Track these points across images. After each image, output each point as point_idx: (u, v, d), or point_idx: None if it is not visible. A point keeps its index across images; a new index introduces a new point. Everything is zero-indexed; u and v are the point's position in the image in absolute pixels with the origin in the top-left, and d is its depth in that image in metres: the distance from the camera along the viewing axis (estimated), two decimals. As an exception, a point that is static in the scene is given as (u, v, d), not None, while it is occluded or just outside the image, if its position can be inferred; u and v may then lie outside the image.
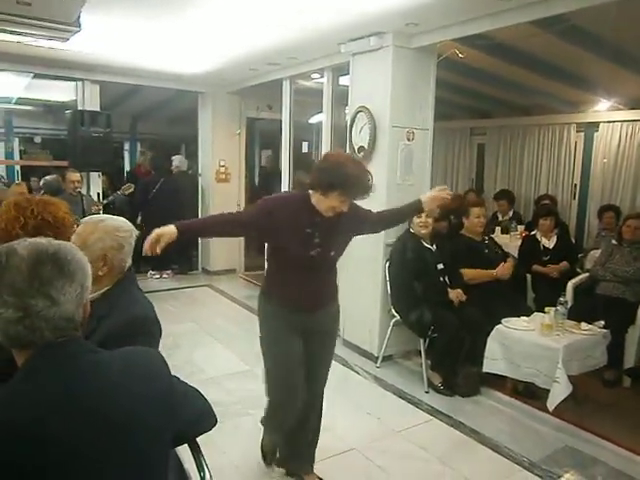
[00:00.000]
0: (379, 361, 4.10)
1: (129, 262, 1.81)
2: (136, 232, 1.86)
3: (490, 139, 7.34)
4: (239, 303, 5.78)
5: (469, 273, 3.97)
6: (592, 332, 3.48)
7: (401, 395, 3.63)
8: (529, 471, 2.78)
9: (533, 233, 4.98)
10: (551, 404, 3.18)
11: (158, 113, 9.12)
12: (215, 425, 1.42)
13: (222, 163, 6.94)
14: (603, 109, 6.05)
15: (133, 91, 7.24)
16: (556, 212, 5.23)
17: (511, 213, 6.39)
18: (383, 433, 3.15)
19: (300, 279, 2.35)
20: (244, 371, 3.95)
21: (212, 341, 4.61)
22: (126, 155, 10.35)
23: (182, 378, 1.35)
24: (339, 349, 4.42)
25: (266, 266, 2.67)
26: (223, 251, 6.94)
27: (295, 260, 2.31)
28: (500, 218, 6.41)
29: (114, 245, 1.73)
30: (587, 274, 4.50)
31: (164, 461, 1.17)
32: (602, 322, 3.75)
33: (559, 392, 3.15)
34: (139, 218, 6.59)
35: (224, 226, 2.43)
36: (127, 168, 10.07)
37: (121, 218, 1.88)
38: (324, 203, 2.22)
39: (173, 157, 6.93)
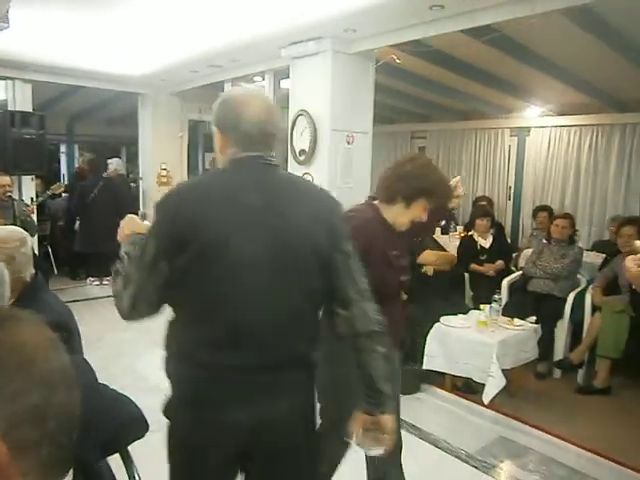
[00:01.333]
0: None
1: (30, 270, 1.74)
2: (31, 238, 1.79)
3: (430, 142, 7.57)
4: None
5: (431, 255, 4.08)
6: (524, 327, 3.66)
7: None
8: (465, 462, 2.88)
9: (470, 233, 5.17)
10: (486, 397, 3.31)
11: (97, 114, 8.84)
12: (147, 432, 1.40)
13: (164, 166, 6.80)
14: (534, 115, 6.36)
15: (70, 91, 6.98)
16: (492, 213, 5.44)
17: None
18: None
19: (393, 310, 1.84)
20: None
21: (157, 349, 4.48)
22: (63, 158, 9.97)
23: (121, 387, 1.33)
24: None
25: None
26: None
27: (388, 289, 1.89)
28: (440, 219, 6.60)
29: (2, 258, 1.62)
30: (520, 272, 4.72)
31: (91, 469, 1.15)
32: (534, 318, 3.96)
33: (494, 386, 3.30)
34: (77, 224, 6.37)
35: None
36: (64, 171, 9.70)
37: (9, 227, 1.81)
38: (404, 216, 1.93)
39: (110, 160, 6.73)
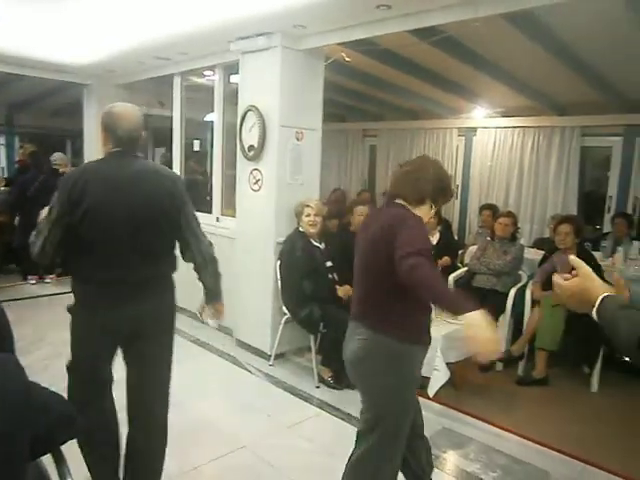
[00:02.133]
0: (272, 359, 4.13)
1: None
2: None
3: (381, 141, 7.67)
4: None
5: None
6: (467, 322, 3.76)
7: (292, 391, 3.69)
8: (409, 455, 2.94)
9: None
10: (431, 390, 3.39)
11: (40, 105, 8.49)
12: (80, 432, 1.37)
13: (110, 160, 6.59)
14: (481, 116, 6.55)
15: (9, 80, 6.66)
16: (439, 210, 5.57)
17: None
18: (273, 429, 3.19)
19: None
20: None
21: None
22: (2, 150, 9.52)
23: (61, 389, 1.29)
24: (232, 350, 4.43)
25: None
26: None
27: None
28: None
29: None
30: (466, 268, 4.85)
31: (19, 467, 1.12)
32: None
33: (438, 379, 3.38)
34: (17, 219, 6.10)
35: None
36: (3, 164, 9.27)
37: None
38: (428, 216, 2.11)
39: (53, 154, 6.46)
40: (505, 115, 6.34)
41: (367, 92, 6.31)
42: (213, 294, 2.37)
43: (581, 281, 1.24)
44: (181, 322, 5.36)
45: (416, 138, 7.26)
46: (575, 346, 4.01)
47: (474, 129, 6.71)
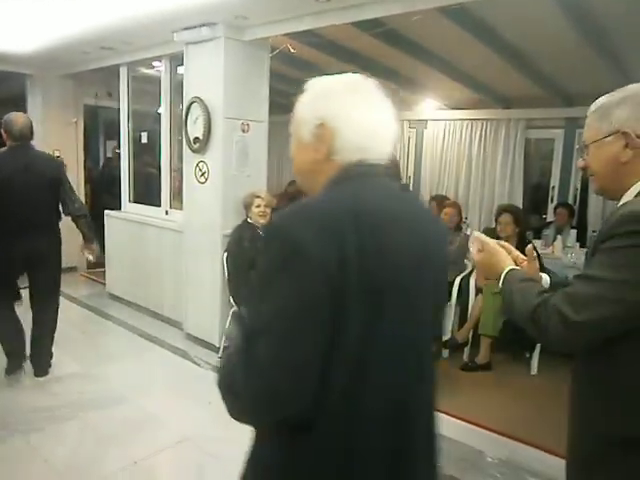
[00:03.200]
0: (220, 351, 4.13)
1: None
2: None
3: (334, 133, 7.70)
4: (78, 303, 5.43)
5: None
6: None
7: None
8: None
9: None
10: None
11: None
12: None
13: (57, 153, 6.41)
14: (431, 108, 6.67)
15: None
16: None
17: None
18: (218, 421, 3.17)
19: None
20: (76, 373, 3.73)
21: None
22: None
23: None
24: (182, 342, 4.41)
25: None
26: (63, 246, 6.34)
27: None
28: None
29: None
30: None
31: None
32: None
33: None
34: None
35: None
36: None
37: None
38: None
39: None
40: (454, 108, 6.48)
41: (317, 84, 6.32)
42: (87, 238, 3.61)
43: (486, 256, 1.36)
44: (132, 317, 5.32)
45: (368, 130, 7.33)
46: (516, 332, 4.15)
47: (425, 121, 6.84)
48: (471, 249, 1.43)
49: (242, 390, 0.92)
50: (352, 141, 1.02)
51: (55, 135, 6.36)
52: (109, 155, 9.11)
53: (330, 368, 0.89)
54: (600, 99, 1.25)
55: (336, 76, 1.11)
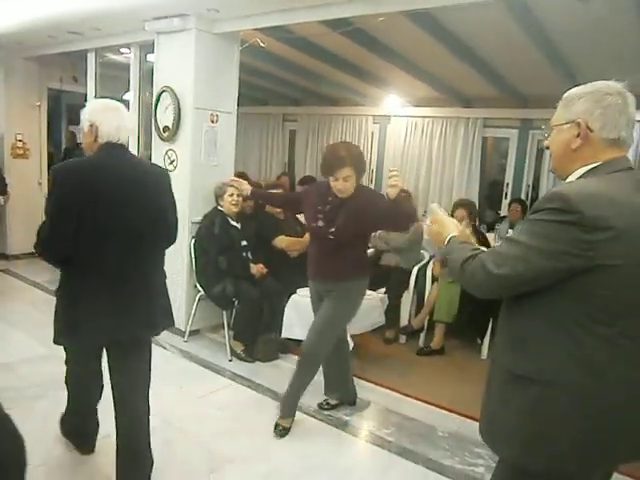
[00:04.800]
0: (186, 335, 4.25)
1: None
2: None
3: (300, 126, 7.84)
4: (42, 288, 5.43)
5: (283, 241, 4.33)
6: (371, 297, 4.05)
7: (205, 365, 3.84)
8: (312, 416, 3.21)
9: None
10: (335, 360, 3.66)
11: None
12: None
13: (19, 137, 6.34)
14: (394, 105, 6.87)
15: None
16: None
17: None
18: (185, 399, 3.33)
19: (312, 247, 2.99)
20: (43, 355, 3.77)
21: (6, 327, 4.31)
22: None
23: None
24: (148, 327, 4.49)
25: None
26: (22, 232, 6.17)
27: (308, 231, 2.96)
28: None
29: None
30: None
31: None
32: (383, 289, 4.40)
33: (341, 349, 3.65)
34: None
35: (283, 199, 3.64)
36: None
37: None
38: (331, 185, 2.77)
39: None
40: (416, 105, 6.70)
41: (286, 77, 6.44)
42: None
43: (434, 227, 1.63)
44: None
45: (334, 124, 7.50)
46: (468, 319, 4.44)
47: (388, 117, 7.04)
48: (427, 221, 1.68)
49: (47, 252, 2.13)
50: (107, 132, 2.11)
51: (18, 118, 6.29)
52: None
53: (79, 236, 2.00)
54: (573, 89, 1.43)
55: (100, 100, 2.31)
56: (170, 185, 2.32)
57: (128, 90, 5.03)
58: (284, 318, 3.89)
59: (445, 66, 5.04)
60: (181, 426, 2.98)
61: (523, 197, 6.10)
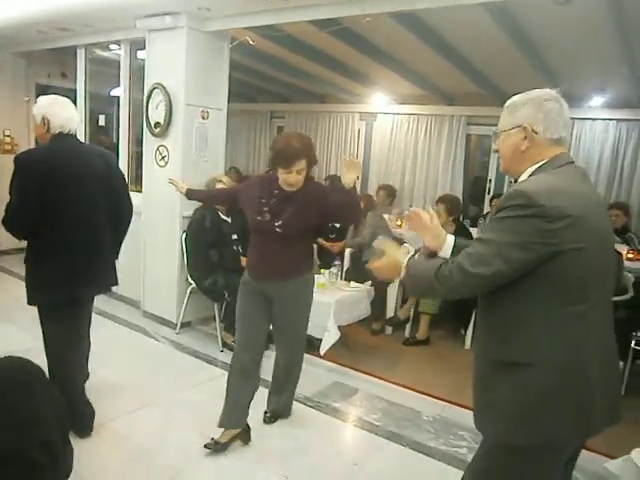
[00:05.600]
0: (178, 328, 4.34)
1: None
2: None
3: (288, 122, 7.94)
4: (31, 282, 5.46)
5: None
6: (358, 289, 4.19)
7: (198, 356, 3.94)
8: (304, 404, 3.32)
9: None
10: (322, 349, 3.79)
11: None
12: None
13: (7, 132, 6.35)
14: (381, 102, 7.00)
15: None
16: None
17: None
18: (179, 388, 3.43)
19: (256, 244, 2.75)
20: (31, 348, 3.69)
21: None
22: None
23: None
24: (140, 320, 4.57)
25: None
26: (11, 228, 6.28)
27: (250, 225, 2.73)
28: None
29: None
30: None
31: None
32: (370, 282, 4.53)
33: (329, 339, 3.78)
34: None
35: (220, 195, 3.33)
36: None
37: None
38: (279, 177, 2.59)
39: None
40: (402, 103, 6.84)
41: (275, 75, 6.53)
42: None
43: (387, 258, 1.68)
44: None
45: (321, 121, 7.61)
46: (452, 310, 4.59)
47: (374, 114, 7.17)
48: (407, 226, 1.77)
49: (15, 226, 2.52)
50: (57, 123, 2.50)
51: (5, 114, 6.29)
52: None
53: (42, 211, 2.42)
54: (513, 97, 1.57)
55: (50, 96, 2.63)
56: (117, 163, 2.92)
57: (118, 86, 5.08)
58: (274, 310, 3.99)
59: (429, 65, 5.18)
60: (177, 413, 3.08)
61: (505, 192, 6.26)
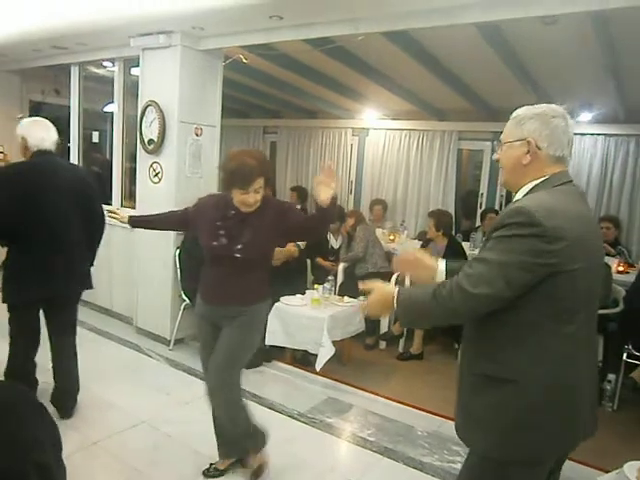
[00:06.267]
0: (171, 344, 4.33)
1: None
2: None
3: (281, 138, 8.00)
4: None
5: None
6: (352, 304, 4.20)
7: (191, 372, 3.92)
8: (297, 420, 3.31)
9: None
10: (318, 365, 3.79)
11: None
12: None
13: (0, 148, 6.35)
14: (373, 118, 7.08)
15: None
16: (344, 216, 5.31)
17: (299, 207, 7.10)
18: (172, 405, 3.41)
19: (210, 270, 2.52)
20: None
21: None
22: None
23: None
24: (133, 337, 4.55)
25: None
26: None
27: (205, 250, 2.46)
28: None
29: None
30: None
31: None
32: (362, 297, 4.53)
33: (324, 354, 3.78)
34: None
35: (168, 220, 2.83)
36: None
37: None
38: (234, 198, 2.37)
39: None
40: (394, 118, 6.92)
41: (267, 91, 6.60)
42: None
43: (375, 294, 1.63)
44: (80, 313, 5.35)
45: (314, 136, 7.67)
46: (446, 325, 4.59)
47: (367, 130, 7.24)
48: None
49: None
50: (32, 143, 2.82)
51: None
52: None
53: (21, 219, 2.72)
54: (520, 109, 1.57)
55: (30, 118, 3.06)
56: (89, 175, 3.30)
57: (111, 102, 5.11)
58: (267, 325, 3.98)
59: (421, 82, 5.26)
60: (168, 431, 3.06)
61: (497, 207, 6.32)
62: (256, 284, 2.49)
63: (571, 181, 1.54)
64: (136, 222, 2.94)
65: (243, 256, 2.38)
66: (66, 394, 3.11)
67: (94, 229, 3.08)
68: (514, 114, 1.58)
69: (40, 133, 2.85)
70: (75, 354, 3.17)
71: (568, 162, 1.56)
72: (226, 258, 2.40)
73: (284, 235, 2.50)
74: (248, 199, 2.33)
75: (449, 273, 1.68)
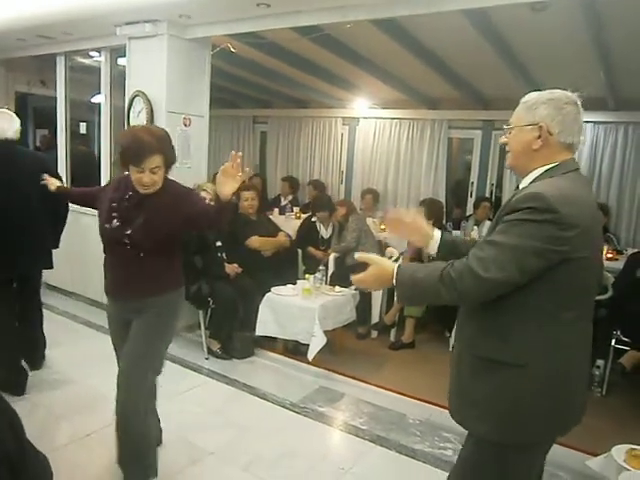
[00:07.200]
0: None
1: None
2: None
3: (271, 127, 7.96)
4: (12, 292, 5.39)
5: (256, 241, 4.48)
6: (343, 294, 4.21)
7: (183, 363, 3.91)
8: (289, 410, 3.32)
9: (314, 220, 5.27)
10: (310, 355, 3.79)
11: None
12: None
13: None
14: (363, 107, 7.05)
15: None
16: (332, 206, 5.33)
17: (290, 197, 7.09)
18: (165, 397, 3.35)
19: (108, 258, 2.37)
20: None
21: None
22: None
23: None
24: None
25: None
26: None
27: (100, 235, 2.32)
28: (282, 201, 7.07)
29: None
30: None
31: None
32: (354, 286, 4.53)
33: (316, 344, 3.78)
34: None
35: (85, 196, 2.74)
36: None
37: None
38: (132, 177, 2.18)
39: None
40: (384, 107, 6.89)
41: (256, 80, 6.54)
42: None
43: (374, 268, 1.57)
44: (71, 306, 5.33)
45: (304, 126, 7.63)
46: (437, 314, 4.62)
47: (357, 119, 7.22)
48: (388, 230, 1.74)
49: None
50: None
51: (-16, 122, 6.20)
52: (38, 144, 8.88)
53: None
54: (532, 94, 1.55)
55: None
56: (49, 164, 3.40)
57: (99, 93, 5.05)
58: (259, 316, 3.99)
59: (410, 70, 5.24)
60: (163, 422, 3.05)
61: (487, 195, 6.34)
62: (160, 273, 2.29)
63: (578, 169, 1.53)
64: (59, 192, 3.09)
65: (131, 241, 2.20)
66: (33, 343, 3.49)
67: (57, 211, 3.37)
68: (525, 98, 1.56)
69: (2, 124, 3.10)
70: (40, 309, 3.54)
71: (577, 149, 1.54)
72: (119, 245, 2.23)
73: (184, 222, 2.26)
74: (143, 178, 2.15)
75: (442, 245, 1.68)
